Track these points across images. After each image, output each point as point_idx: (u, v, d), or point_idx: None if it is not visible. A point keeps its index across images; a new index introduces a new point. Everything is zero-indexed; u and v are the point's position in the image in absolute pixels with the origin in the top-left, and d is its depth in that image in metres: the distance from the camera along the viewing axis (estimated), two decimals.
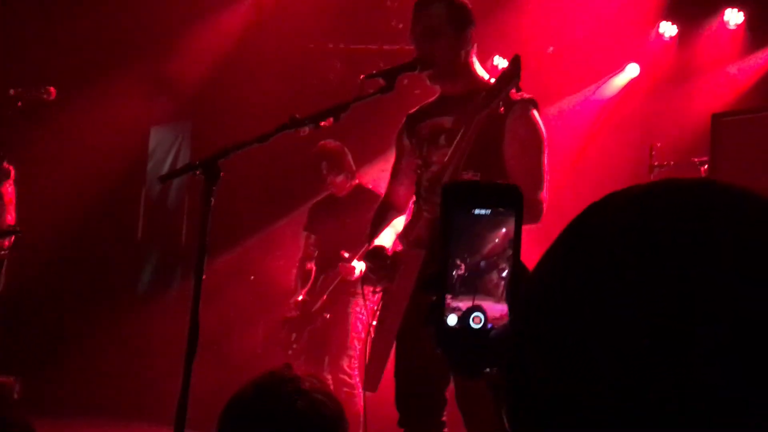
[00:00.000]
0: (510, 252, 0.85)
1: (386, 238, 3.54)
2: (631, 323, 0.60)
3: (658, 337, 0.59)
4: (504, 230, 0.85)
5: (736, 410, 0.57)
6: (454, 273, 0.84)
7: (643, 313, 0.60)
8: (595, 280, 0.64)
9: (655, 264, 0.62)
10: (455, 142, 3.21)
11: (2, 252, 5.18)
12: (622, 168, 6.43)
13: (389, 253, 3.42)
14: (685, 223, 0.63)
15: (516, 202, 0.85)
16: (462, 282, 0.85)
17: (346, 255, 5.59)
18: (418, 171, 3.49)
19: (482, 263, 0.84)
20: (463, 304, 0.85)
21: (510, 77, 3.10)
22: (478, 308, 0.84)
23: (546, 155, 3.34)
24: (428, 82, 3.47)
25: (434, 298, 0.85)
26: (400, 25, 7.34)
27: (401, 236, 3.45)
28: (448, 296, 0.85)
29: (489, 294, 0.85)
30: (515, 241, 0.85)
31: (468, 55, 3.43)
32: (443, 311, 0.85)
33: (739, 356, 0.58)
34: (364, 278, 3.50)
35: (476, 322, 0.85)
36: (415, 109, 3.63)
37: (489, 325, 0.85)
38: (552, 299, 0.66)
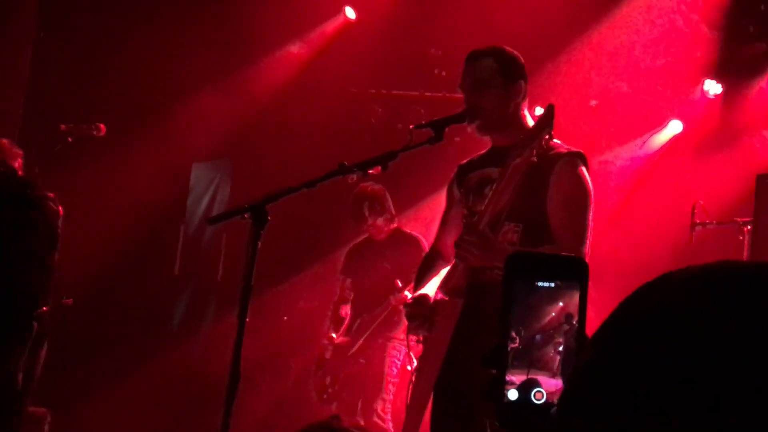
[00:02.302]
0: (566, 327, 0.84)
1: (431, 288, 3.54)
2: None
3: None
4: (562, 304, 0.85)
5: None
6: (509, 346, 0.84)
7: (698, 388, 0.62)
8: (647, 359, 0.64)
9: (710, 348, 0.62)
10: (491, 192, 3.22)
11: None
12: (663, 225, 6.37)
13: (431, 302, 3.41)
14: (744, 306, 0.63)
15: (581, 275, 0.85)
16: (516, 355, 0.84)
17: (399, 284, 5.55)
18: (464, 221, 3.49)
19: (538, 336, 0.84)
20: (517, 378, 0.84)
21: (542, 126, 3.11)
22: (534, 382, 0.83)
23: (591, 211, 3.31)
24: (476, 134, 3.48)
25: (494, 372, 0.84)
26: (443, 73, 7.39)
27: (441, 285, 3.44)
28: None
29: (543, 368, 0.84)
30: (581, 313, 0.84)
31: (518, 108, 3.43)
32: (504, 386, 0.84)
33: None
34: (410, 327, 3.49)
35: (538, 397, 0.83)
36: (466, 160, 3.64)
37: (549, 400, 0.84)
38: (603, 376, 0.66)
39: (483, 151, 3.59)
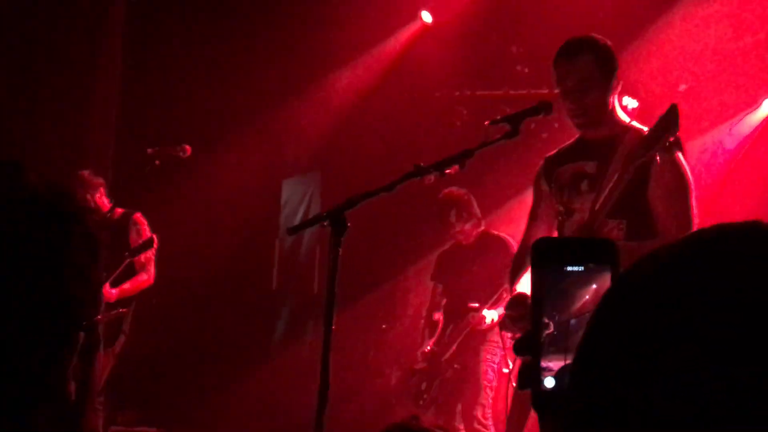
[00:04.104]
0: None
1: (527, 285, 3.49)
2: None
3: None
4: (595, 286, 0.82)
5: None
6: (543, 333, 0.82)
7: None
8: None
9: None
10: (608, 190, 3.15)
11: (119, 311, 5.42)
12: (764, 205, 6.17)
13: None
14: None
15: (611, 257, 0.82)
16: (551, 341, 0.82)
17: (475, 305, 5.53)
18: (560, 218, 3.42)
19: (572, 321, 0.82)
20: (555, 365, 0.82)
21: (668, 127, 3.03)
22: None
23: (693, 198, 3.24)
24: (576, 129, 3.41)
25: (529, 359, 0.82)
26: (526, 70, 7.31)
27: None
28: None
29: None
30: None
31: (614, 100, 3.37)
32: (539, 373, 0.82)
33: None
34: (503, 324, 3.45)
35: None
36: (553, 153, 3.57)
37: None
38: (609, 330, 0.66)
39: (570, 143, 3.51)
